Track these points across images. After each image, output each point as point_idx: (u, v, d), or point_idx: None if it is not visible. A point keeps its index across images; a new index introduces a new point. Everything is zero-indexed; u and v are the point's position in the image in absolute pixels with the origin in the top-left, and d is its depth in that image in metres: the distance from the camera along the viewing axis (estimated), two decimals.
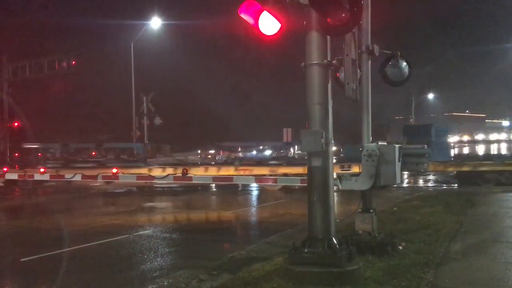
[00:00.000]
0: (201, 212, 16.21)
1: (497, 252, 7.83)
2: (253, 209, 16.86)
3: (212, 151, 49.22)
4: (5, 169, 19.65)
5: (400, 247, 7.76)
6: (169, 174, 16.27)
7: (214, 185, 21.77)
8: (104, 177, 17.54)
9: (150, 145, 30.26)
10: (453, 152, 36.39)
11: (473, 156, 29.84)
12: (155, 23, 30.70)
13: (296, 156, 36.34)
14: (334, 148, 7.03)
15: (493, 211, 12.58)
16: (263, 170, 19.43)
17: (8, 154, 32.03)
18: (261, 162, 22.88)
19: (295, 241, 6.44)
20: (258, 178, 16.70)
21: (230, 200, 19.66)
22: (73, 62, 30.34)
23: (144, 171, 18.51)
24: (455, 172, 21.98)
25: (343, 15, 5.61)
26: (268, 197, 20.61)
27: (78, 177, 17.31)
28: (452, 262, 7.25)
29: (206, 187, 22.21)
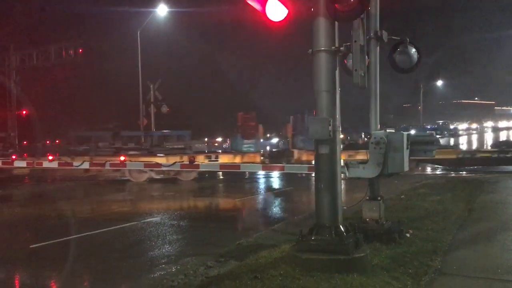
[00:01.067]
0: (207, 200, 16.28)
1: (505, 240, 7.79)
2: (259, 197, 16.89)
3: (219, 139, 49.29)
4: (13, 156, 19.80)
5: (408, 235, 7.75)
6: (176, 162, 16.31)
7: None
8: (112, 165, 17.63)
9: (158, 134, 30.25)
10: None
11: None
12: (162, 10, 30.54)
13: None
14: (341, 136, 6.99)
15: (501, 198, 12.50)
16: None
17: (17, 142, 32.32)
18: (118, 152, 22.62)
19: (302, 229, 6.45)
20: (265, 166, 16.69)
21: (235, 187, 19.72)
22: (80, 50, 30.37)
23: None
24: None
25: (352, 0, 5.54)
26: (273, 184, 20.68)
27: (86, 165, 17.43)
28: (459, 250, 7.23)
29: None
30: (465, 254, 7.02)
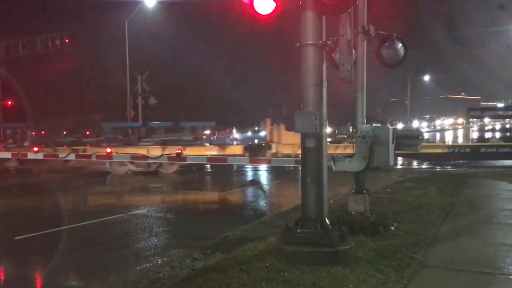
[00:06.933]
0: (195, 192, 16.27)
1: (487, 233, 7.94)
2: (247, 190, 16.93)
3: (207, 132, 49.08)
4: None
5: (392, 228, 7.85)
6: (163, 154, 16.24)
7: None
8: (98, 157, 17.47)
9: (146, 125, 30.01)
10: None
11: None
12: (150, 1, 30.25)
13: None
14: (328, 130, 7.04)
15: (485, 193, 12.71)
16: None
17: (1, 133, 31.89)
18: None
19: (288, 222, 6.49)
20: (252, 159, 16.70)
21: (223, 180, 19.73)
22: (67, 40, 30.00)
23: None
24: None
25: None
26: (260, 177, 20.74)
27: (72, 156, 17.27)
28: (442, 243, 7.35)
29: None
30: (447, 247, 7.14)
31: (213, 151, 20.82)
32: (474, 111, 33.94)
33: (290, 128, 22.66)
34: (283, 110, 24.73)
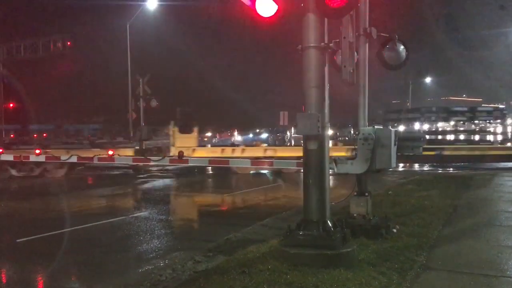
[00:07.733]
0: (196, 195, 16.26)
1: (490, 236, 7.91)
2: (249, 192, 16.92)
3: (208, 134, 49.22)
4: (0, 150, 19.55)
5: (394, 230, 7.83)
6: (165, 156, 16.24)
7: None
8: (100, 159, 17.48)
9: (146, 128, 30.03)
10: None
11: None
12: (151, 3, 30.32)
13: (292, 141, 36.40)
14: (330, 132, 7.04)
15: (487, 194, 12.68)
16: None
17: (3, 135, 31.90)
18: None
19: (290, 224, 6.48)
20: (255, 161, 16.69)
21: (225, 182, 19.73)
22: (69, 43, 30.01)
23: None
24: None
25: None
26: (264, 180, 20.73)
27: (74, 159, 17.27)
28: (445, 245, 7.33)
29: None
30: (450, 250, 7.11)
31: (102, 154, 20.93)
32: (391, 114, 34.19)
33: (183, 131, 22.89)
34: (177, 112, 24.48)
